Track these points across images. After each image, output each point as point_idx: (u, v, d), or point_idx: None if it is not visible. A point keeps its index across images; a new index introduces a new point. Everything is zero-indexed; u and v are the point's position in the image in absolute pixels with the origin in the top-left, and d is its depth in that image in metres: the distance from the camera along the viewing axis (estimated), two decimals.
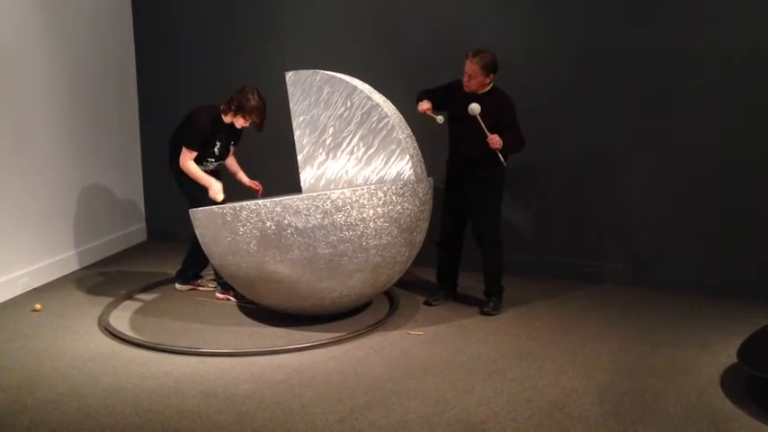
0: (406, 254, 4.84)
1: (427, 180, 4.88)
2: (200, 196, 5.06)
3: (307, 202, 4.46)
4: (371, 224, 4.53)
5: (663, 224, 5.54)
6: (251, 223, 4.50)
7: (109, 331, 4.80)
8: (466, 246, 5.25)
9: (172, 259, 5.96)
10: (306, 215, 4.45)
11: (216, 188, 5.05)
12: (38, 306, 5.19)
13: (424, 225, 4.92)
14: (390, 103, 4.98)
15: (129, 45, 6.73)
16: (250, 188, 5.39)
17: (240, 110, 5.02)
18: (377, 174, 4.78)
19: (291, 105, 4.94)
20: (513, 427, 3.61)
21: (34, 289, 5.57)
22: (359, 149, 4.80)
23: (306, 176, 4.88)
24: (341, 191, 4.54)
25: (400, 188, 4.62)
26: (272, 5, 6.33)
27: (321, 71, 4.91)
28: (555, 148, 5.70)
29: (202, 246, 4.89)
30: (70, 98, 6.02)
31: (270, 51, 6.33)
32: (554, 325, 4.89)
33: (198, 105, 5.20)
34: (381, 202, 4.55)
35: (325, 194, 4.49)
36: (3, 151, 5.31)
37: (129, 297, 5.44)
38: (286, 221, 4.46)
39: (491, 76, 4.84)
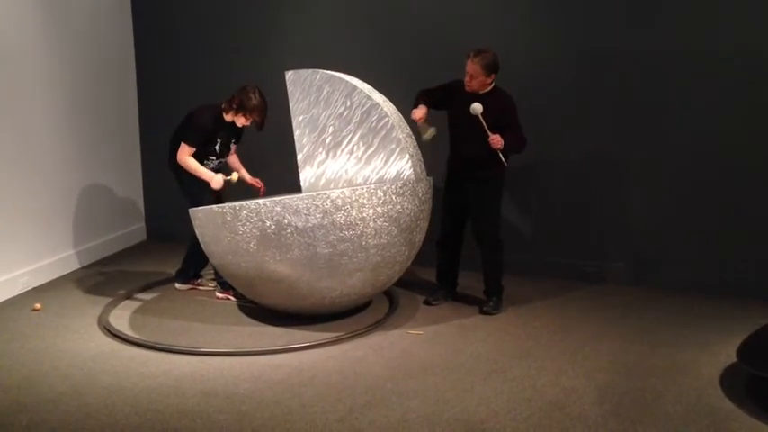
0: (406, 253, 4.84)
1: (427, 179, 4.88)
2: (200, 194, 5.07)
3: (306, 201, 4.46)
4: (371, 224, 4.53)
5: (663, 224, 5.54)
6: (251, 223, 4.50)
7: (109, 330, 4.80)
8: (466, 245, 5.25)
9: (171, 259, 5.96)
10: (306, 215, 4.45)
11: (216, 179, 5.06)
12: (38, 305, 5.19)
13: (424, 224, 4.92)
14: (390, 103, 4.98)
15: (129, 45, 6.73)
16: (252, 186, 5.39)
17: (241, 109, 5.02)
18: (377, 173, 4.77)
19: (291, 105, 4.94)
20: (513, 427, 3.60)
21: (34, 288, 5.58)
22: (359, 149, 4.80)
23: (305, 176, 4.88)
24: (340, 190, 4.54)
25: (400, 188, 4.62)
26: (272, 5, 6.34)
27: (321, 70, 4.91)
28: (555, 148, 5.70)
29: (202, 245, 4.89)
30: (70, 98, 6.02)
31: (270, 51, 6.34)
32: (554, 325, 4.89)
33: (199, 104, 5.20)
34: (381, 202, 4.55)
35: (325, 194, 4.49)
36: (3, 151, 5.31)
37: (129, 296, 5.44)
38: (286, 221, 4.46)
39: (492, 76, 4.84)
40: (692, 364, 4.27)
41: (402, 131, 4.80)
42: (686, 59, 5.31)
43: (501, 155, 4.80)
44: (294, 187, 5.04)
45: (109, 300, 5.33)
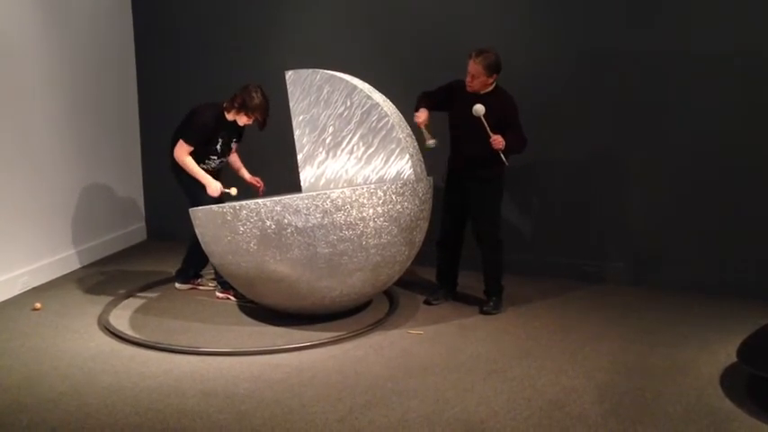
0: (406, 253, 4.84)
1: (427, 179, 4.88)
2: (200, 192, 5.06)
3: (306, 201, 4.46)
4: (371, 223, 4.53)
5: (663, 224, 5.55)
6: (251, 222, 4.50)
7: (109, 330, 4.80)
8: (466, 245, 5.25)
9: (171, 258, 5.96)
10: (306, 214, 4.45)
11: (214, 186, 5.06)
12: (38, 305, 5.19)
13: (424, 224, 4.92)
14: (390, 103, 4.98)
15: (130, 44, 6.73)
16: (251, 184, 5.39)
17: (243, 107, 5.02)
18: (377, 173, 4.77)
19: (291, 104, 4.94)
20: (513, 427, 3.61)
21: (34, 288, 5.57)
22: (359, 149, 4.80)
23: (306, 176, 4.88)
24: (341, 190, 4.54)
25: (400, 187, 4.62)
26: (272, 4, 6.34)
27: (321, 70, 4.91)
28: (555, 148, 5.70)
29: (202, 245, 4.89)
30: (70, 98, 6.02)
31: (270, 51, 6.33)
32: (554, 325, 4.89)
33: (200, 103, 5.20)
34: (381, 202, 4.55)
35: (325, 194, 4.49)
36: (3, 151, 5.31)
37: (129, 296, 5.44)
38: (286, 221, 4.46)
39: (494, 76, 4.84)
40: (692, 364, 4.28)
41: (402, 131, 4.80)
42: (686, 59, 5.31)
43: (502, 155, 4.80)
44: (294, 187, 5.04)
45: (109, 299, 5.33)
